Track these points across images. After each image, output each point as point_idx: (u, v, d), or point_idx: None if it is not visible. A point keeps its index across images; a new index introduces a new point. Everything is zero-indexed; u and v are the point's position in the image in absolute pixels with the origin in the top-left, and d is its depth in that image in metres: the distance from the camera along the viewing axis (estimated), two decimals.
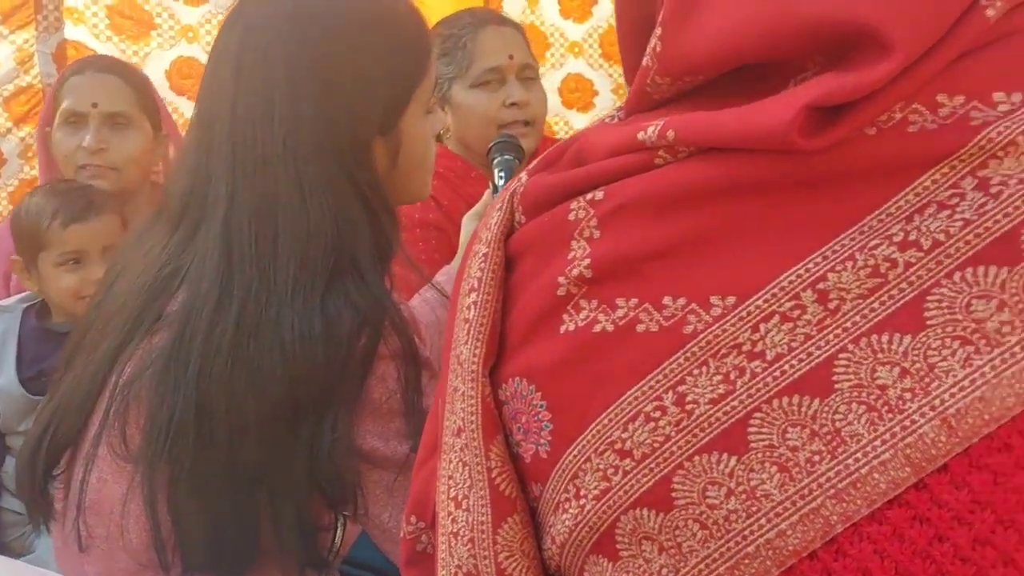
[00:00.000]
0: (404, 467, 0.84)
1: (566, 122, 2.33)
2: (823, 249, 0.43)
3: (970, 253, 0.41)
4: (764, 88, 0.45)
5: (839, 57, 0.43)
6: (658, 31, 0.48)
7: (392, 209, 0.92)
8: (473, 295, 0.52)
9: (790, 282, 0.43)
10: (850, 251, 0.43)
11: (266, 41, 0.86)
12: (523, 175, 0.55)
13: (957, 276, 0.41)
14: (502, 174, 1.35)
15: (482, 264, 0.53)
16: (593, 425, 0.46)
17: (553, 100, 2.13)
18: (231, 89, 0.86)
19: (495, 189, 1.34)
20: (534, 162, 0.55)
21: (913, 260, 0.42)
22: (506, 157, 1.37)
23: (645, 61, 0.50)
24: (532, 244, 0.51)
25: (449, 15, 1.53)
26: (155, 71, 2.01)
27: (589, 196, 0.48)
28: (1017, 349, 0.40)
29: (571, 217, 0.49)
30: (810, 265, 0.43)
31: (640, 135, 0.46)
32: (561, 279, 0.48)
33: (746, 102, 0.45)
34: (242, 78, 0.86)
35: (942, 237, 0.41)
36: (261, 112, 0.84)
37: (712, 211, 0.45)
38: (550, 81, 2.23)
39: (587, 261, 0.47)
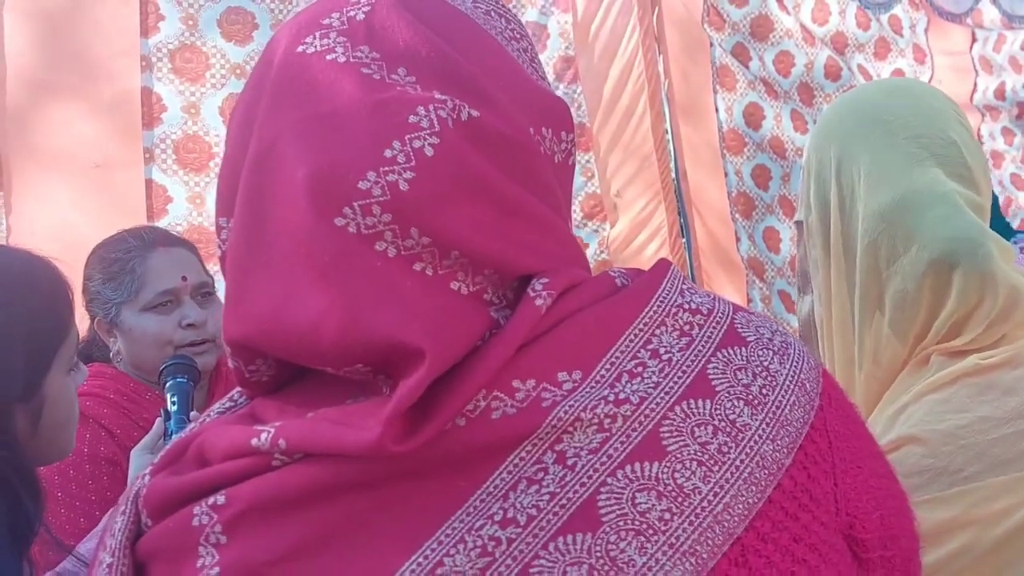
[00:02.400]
0: None
1: None
2: (437, 534, 0.46)
3: (559, 524, 0.46)
4: (353, 389, 0.49)
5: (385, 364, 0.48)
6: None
7: (33, 478, 0.84)
8: None
9: (412, 571, 0.45)
10: (460, 534, 0.46)
11: None
12: (147, 474, 0.53)
13: (552, 546, 0.45)
14: (175, 398, 1.29)
15: None
16: None
17: None
18: None
19: (167, 415, 1.28)
20: (159, 458, 0.54)
21: (514, 536, 0.46)
22: (179, 380, 1.32)
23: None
24: (160, 551, 0.50)
25: (112, 237, 1.48)
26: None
27: (211, 500, 0.48)
28: None
29: (195, 523, 0.48)
30: (428, 552, 0.46)
31: (254, 441, 0.48)
32: None
33: (348, 396, 0.49)
34: None
35: (534, 512, 0.46)
36: None
37: (330, 511, 0.46)
38: None
39: (216, 570, 0.47)
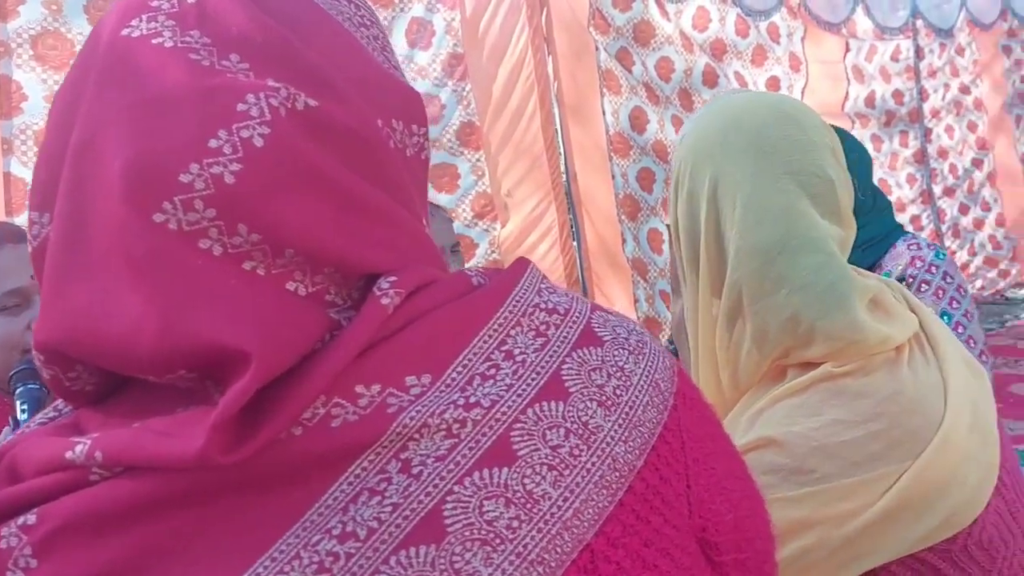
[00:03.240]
0: None
1: None
2: (271, 551, 0.43)
3: (401, 536, 0.43)
4: (184, 397, 0.45)
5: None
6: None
7: None
8: None
9: None
10: (296, 550, 0.43)
11: None
12: None
13: (393, 560, 0.43)
14: (24, 406, 1.20)
15: None
16: None
17: None
18: None
19: (15, 424, 1.19)
20: None
21: (353, 551, 0.43)
22: (30, 386, 1.23)
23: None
24: None
25: None
26: None
27: (21, 521, 0.44)
28: None
29: (2, 545, 0.44)
30: (260, 570, 0.43)
31: (68, 454, 0.44)
32: None
33: (180, 405, 0.45)
34: None
35: (375, 524, 0.43)
36: None
37: (151, 528, 0.43)
38: None
39: None
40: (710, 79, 3.15)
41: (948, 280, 1.67)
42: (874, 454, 0.79)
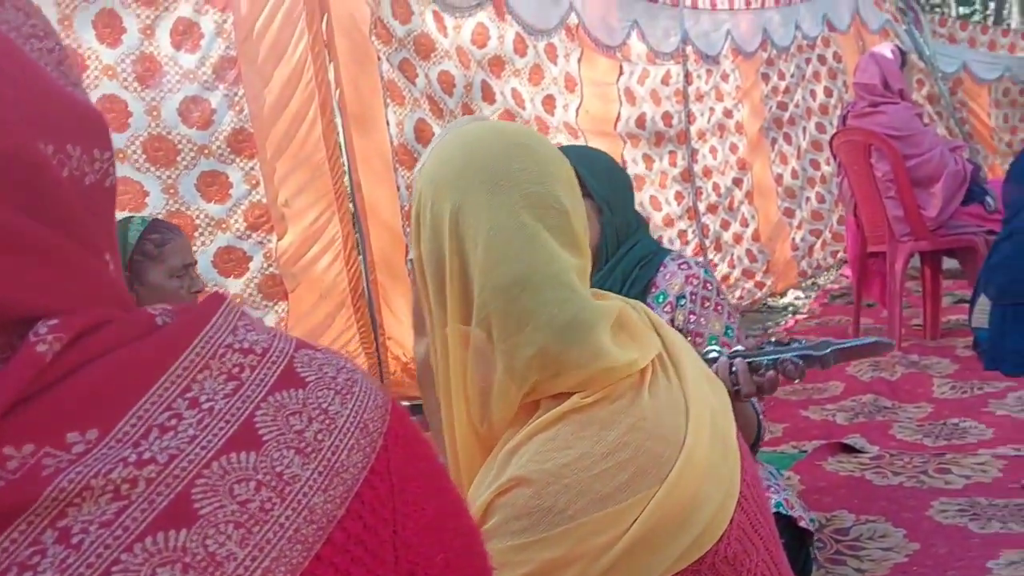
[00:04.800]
0: None
1: None
2: None
3: None
4: None
5: None
6: None
7: None
8: None
9: None
10: None
11: None
12: None
13: None
14: None
15: None
16: None
17: None
18: None
19: None
20: None
21: None
22: None
23: None
24: None
25: None
26: None
27: None
28: None
29: None
30: None
31: None
32: None
33: None
34: None
35: None
36: None
37: None
38: None
39: None
40: (488, 95, 3.20)
41: (721, 295, 1.71)
42: (623, 484, 0.80)
